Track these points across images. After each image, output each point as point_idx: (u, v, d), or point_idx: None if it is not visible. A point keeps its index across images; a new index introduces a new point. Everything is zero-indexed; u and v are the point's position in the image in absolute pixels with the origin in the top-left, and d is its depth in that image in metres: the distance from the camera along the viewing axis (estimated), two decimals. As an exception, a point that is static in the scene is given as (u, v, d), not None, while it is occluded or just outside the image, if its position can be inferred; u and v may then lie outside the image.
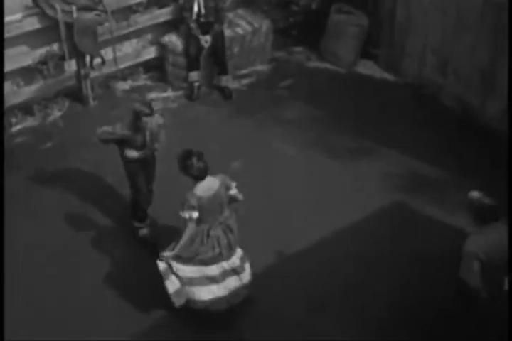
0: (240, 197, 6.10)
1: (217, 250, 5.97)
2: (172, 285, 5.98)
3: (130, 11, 8.51)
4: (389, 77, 9.13)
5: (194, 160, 5.77)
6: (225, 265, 6.07)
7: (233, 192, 6.03)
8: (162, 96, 8.69)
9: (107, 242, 6.96)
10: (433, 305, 6.37)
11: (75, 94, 8.51)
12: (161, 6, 8.72)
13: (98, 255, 6.82)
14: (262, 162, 7.89)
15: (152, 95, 8.64)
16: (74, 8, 7.78)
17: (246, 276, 6.22)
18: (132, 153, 6.50)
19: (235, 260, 6.13)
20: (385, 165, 7.83)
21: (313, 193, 7.50)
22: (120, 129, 6.41)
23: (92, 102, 8.56)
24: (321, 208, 7.34)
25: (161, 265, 5.94)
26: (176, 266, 5.95)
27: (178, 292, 6.01)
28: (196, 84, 8.73)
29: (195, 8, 8.35)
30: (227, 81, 8.85)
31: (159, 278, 6.01)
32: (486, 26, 7.81)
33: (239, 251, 6.19)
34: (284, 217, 7.17)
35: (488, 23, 7.77)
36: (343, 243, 6.99)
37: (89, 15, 7.87)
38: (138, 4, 8.53)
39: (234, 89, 8.89)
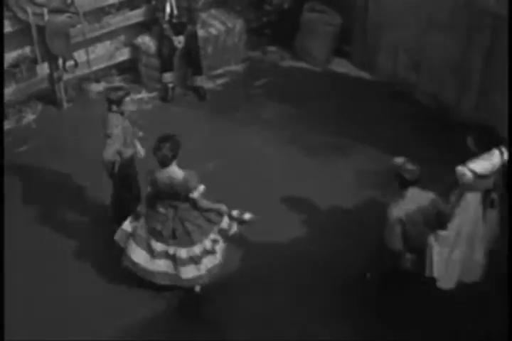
0: (204, 204, 6.05)
1: (159, 227, 6.09)
2: (121, 231, 6.33)
3: (102, 12, 8.46)
4: (363, 74, 9.17)
5: (166, 146, 5.82)
6: (170, 250, 6.16)
7: (193, 195, 5.96)
8: (136, 98, 8.66)
9: (86, 244, 6.94)
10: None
11: (48, 97, 8.46)
12: (134, 8, 8.68)
13: (79, 254, 6.85)
14: (238, 161, 7.88)
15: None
16: (45, 10, 7.72)
17: (203, 267, 6.23)
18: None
19: (189, 251, 6.14)
20: (361, 163, 7.85)
21: (291, 191, 7.51)
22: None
23: (65, 105, 8.50)
24: (299, 206, 7.36)
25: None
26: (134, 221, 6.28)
27: (122, 238, 6.32)
28: (170, 85, 8.70)
29: (168, 9, 8.32)
30: (202, 81, 8.84)
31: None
32: (458, 23, 7.87)
33: (205, 244, 6.20)
34: (262, 215, 7.16)
35: (459, 20, 7.83)
36: (320, 239, 7.02)
37: (61, 18, 7.81)
38: (110, 6, 8.48)
39: (209, 89, 8.88)
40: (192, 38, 8.54)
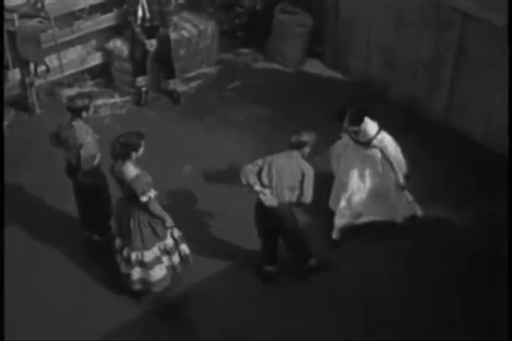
0: (152, 208, 6.00)
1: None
2: None
3: (73, 17, 8.44)
4: (336, 75, 9.20)
5: (120, 140, 5.87)
6: (124, 251, 6.21)
7: (141, 198, 5.91)
8: (110, 103, 8.63)
9: (60, 251, 6.92)
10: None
11: (20, 103, 8.40)
12: (105, 12, 8.65)
13: (54, 263, 6.82)
14: (213, 164, 7.88)
15: (99, 101, 8.56)
16: (16, 16, 7.67)
17: (154, 275, 6.26)
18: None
19: (144, 253, 6.17)
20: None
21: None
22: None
23: (38, 110, 8.46)
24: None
25: None
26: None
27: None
28: (144, 89, 8.68)
29: (140, 13, 8.29)
30: (176, 84, 8.82)
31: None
32: (427, 21, 7.92)
33: (156, 249, 6.22)
34: (238, 218, 7.16)
35: (429, 18, 7.89)
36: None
37: (32, 23, 7.78)
38: (81, 10, 8.45)
39: (182, 92, 8.87)
40: (164, 41, 8.52)
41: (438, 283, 6.71)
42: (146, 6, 8.26)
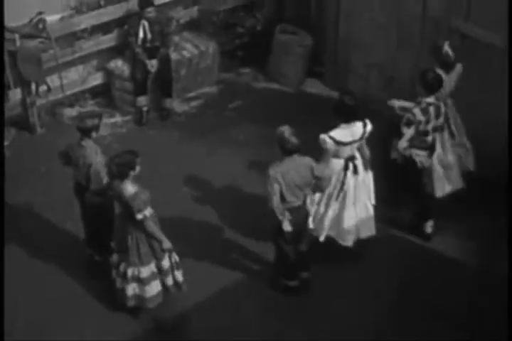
0: (149, 227, 6.00)
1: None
2: None
3: (74, 37, 8.48)
4: (336, 94, 9.20)
5: (116, 160, 5.87)
6: (121, 267, 6.21)
7: (137, 216, 5.92)
8: (110, 122, 8.65)
9: (63, 270, 6.91)
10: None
11: (21, 123, 8.43)
12: (106, 32, 8.70)
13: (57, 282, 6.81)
14: (213, 183, 7.89)
15: (100, 121, 8.59)
16: (17, 36, 7.72)
17: (149, 291, 6.25)
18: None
19: (140, 269, 6.16)
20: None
21: (267, 212, 7.49)
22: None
23: (39, 130, 8.48)
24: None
25: None
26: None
27: None
28: (145, 108, 8.71)
29: (141, 34, 8.34)
30: (171, 104, 8.84)
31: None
32: (426, 42, 7.96)
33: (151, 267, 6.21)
34: (238, 237, 7.18)
35: (428, 39, 7.93)
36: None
37: (33, 43, 7.82)
38: (82, 30, 8.50)
39: (183, 112, 8.90)
40: (165, 62, 8.57)
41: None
42: (147, 27, 8.32)
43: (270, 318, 6.54)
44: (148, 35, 8.37)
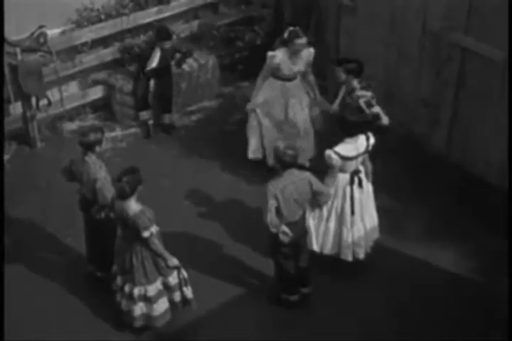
0: (155, 246, 5.95)
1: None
2: None
3: (75, 51, 8.49)
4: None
5: (125, 179, 5.78)
6: (126, 288, 6.14)
7: (143, 234, 5.85)
8: (110, 136, 8.63)
9: (63, 286, 6.87)
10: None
11: (21, 137, 8.42)
12: (106, 46, 8.72)
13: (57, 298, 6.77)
14: (214, 197, 7.87)
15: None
16: (18, 50, 7.72)
17: (157, 309, 6.19)
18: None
19: (147, 288, 6.10)
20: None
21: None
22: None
23: (39, 144, 8.46)
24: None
25: None
26: None
27: None
28: (150, 122, 8.68)
29: (154, 64, 8.19)
30: (170, 119, 8.83)
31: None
32: (426, 56, 7.98)
33: (157, 285, 6.15)
34: (240, 251, 7.15)
35: (428, 54, 7.94)
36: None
37: (34, 57, 7.82)
38: (83, 44, 8.52)
39: (183, 126, 8.90)
40: (167, 78, 8.56)
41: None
42: (160, 56, 8.21)
43: (271, 333, 6.52)
44: (159, 63, 8.29)
